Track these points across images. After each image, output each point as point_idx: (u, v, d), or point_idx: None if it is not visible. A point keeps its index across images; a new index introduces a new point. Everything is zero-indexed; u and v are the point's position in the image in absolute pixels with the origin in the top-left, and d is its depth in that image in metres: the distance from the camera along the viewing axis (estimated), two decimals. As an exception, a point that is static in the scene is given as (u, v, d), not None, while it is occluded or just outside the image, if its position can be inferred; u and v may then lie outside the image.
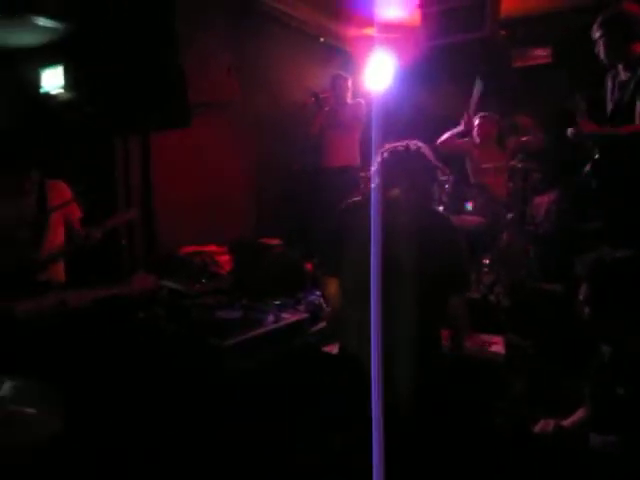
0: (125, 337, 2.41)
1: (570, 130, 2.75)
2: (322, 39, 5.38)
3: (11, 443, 1.53)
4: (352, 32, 5.42)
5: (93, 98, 3.49)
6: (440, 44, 4.24)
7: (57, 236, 2.92)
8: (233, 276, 3.34)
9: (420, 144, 2.07)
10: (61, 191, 2.93)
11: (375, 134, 2.19)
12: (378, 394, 1.29)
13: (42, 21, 3.61)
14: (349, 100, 4.67)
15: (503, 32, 4.51)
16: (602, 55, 2.74)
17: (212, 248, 3.84)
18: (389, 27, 4.97)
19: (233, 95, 3.76)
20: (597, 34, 2.73)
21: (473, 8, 4.16)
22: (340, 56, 5.54)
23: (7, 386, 1.70)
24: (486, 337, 2.80)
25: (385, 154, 2.01)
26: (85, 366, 2.16)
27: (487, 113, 4.27)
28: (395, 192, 1.96)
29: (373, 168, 2.09)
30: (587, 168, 2.89)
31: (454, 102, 4.47)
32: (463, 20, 4.21)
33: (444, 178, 3.68)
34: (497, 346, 2.71)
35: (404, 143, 2.05)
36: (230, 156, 4.53)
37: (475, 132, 4.30)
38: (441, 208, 3.95)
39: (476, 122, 4.29)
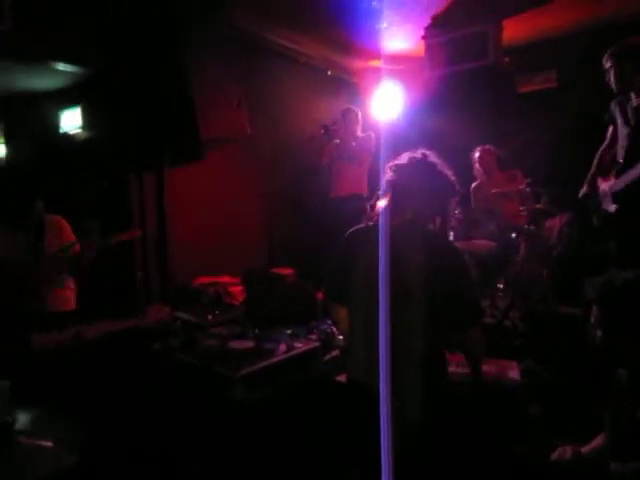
0: (140, 369, 2.43)
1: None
2: (329, 72, 5.52)
3: (26, 476, 1.54)
4: (359, 64, 5.55)
5: (109, 137, 3.63)
6: (445, 73, 4.33)
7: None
8: (246, 306, 3.36)
9: (430, 154, 1.88)
10: (59, 224, 2.96)
11: (383, 163, 2.17)
12: (387, 424, 1.29)
13: (61, 66, 3.78)
14: (359, 133, 4.76)
15: (507, 59, 4.59)
16: (612, 84, 2.87)
17: (226, 279, 3.88)
18: (395, 59, 5.10)
19: (243, 129, 3.87)
20: (608, 64, 2.87)
21: (476, 37, 4.27)
22: (348, 88, 5.67)
23: (24, 418, 1.71)
24: (502, 363, 2.76)
25: (396, 167, 1.86)
26: (101, 398, 2.18)
27: (484, 146, 4.32)
28: (402, 218, 1.90)
29: (382, 184, 1.86)
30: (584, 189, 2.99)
31: (462, 130, 4.52)
32: (467, 49, 4.32)
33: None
34: (513, 372, 2.67)
35: (418, 154, 1.87)
36: (242, 188, 4.62)
37: (477, 164, 4.35)
38: (451, 234, 3.96)
39: (476, 155, 4.34)
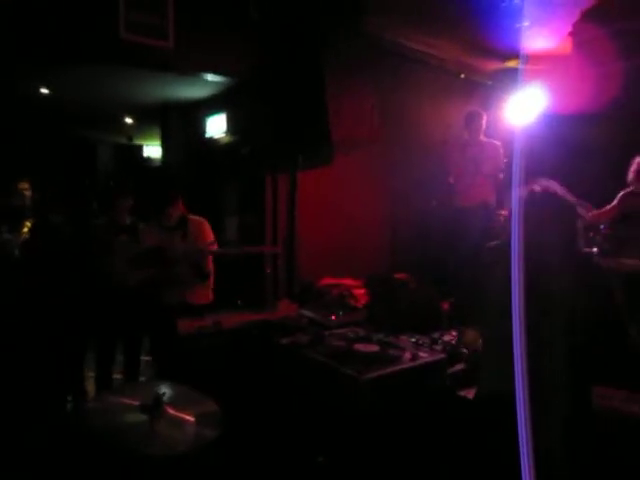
0: (271, 359, 2.57)
1: None
2: (462, 75, 5.34)
3: (170, 445, 1.67)
4: (493, 66, 5.29)
5: (249, 141, 3.92)
6: (598, 73, 3.93)
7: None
8: (369, 310, 3.37)
9: (555, 185, 1.96)
10: (200, 226, 3.19)
11: (515, 171, 2.12)
12: (527, 445, 1.22)
13: (211, 77, 4.17)
14: (482, 137, 4.53)
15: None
16: None
17: (348, 281, 3.94)
18: (535, 58, 4.76)
19: (374, 133, 3.90)
20: None
21: (634, 32, 3.83)
22: (481, 91, 5.44)
23: (170, 392, 1.84)
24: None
25: (522, 199, 1.94)
26: (235, 382, 2.35)
27: None
28: (536, 236, 1.85)
29: (510, 210, 2.02)
30: None
31: (618, 141, 3.98)
32: (623, 45, 3.89)
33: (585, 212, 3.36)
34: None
35: (539, 186, 1.95)
36: (368, 191, 4.67)
37: (633, 170, 3.80)
38: (595, 249, 3.60)
39: (637, 159, 3.78)
